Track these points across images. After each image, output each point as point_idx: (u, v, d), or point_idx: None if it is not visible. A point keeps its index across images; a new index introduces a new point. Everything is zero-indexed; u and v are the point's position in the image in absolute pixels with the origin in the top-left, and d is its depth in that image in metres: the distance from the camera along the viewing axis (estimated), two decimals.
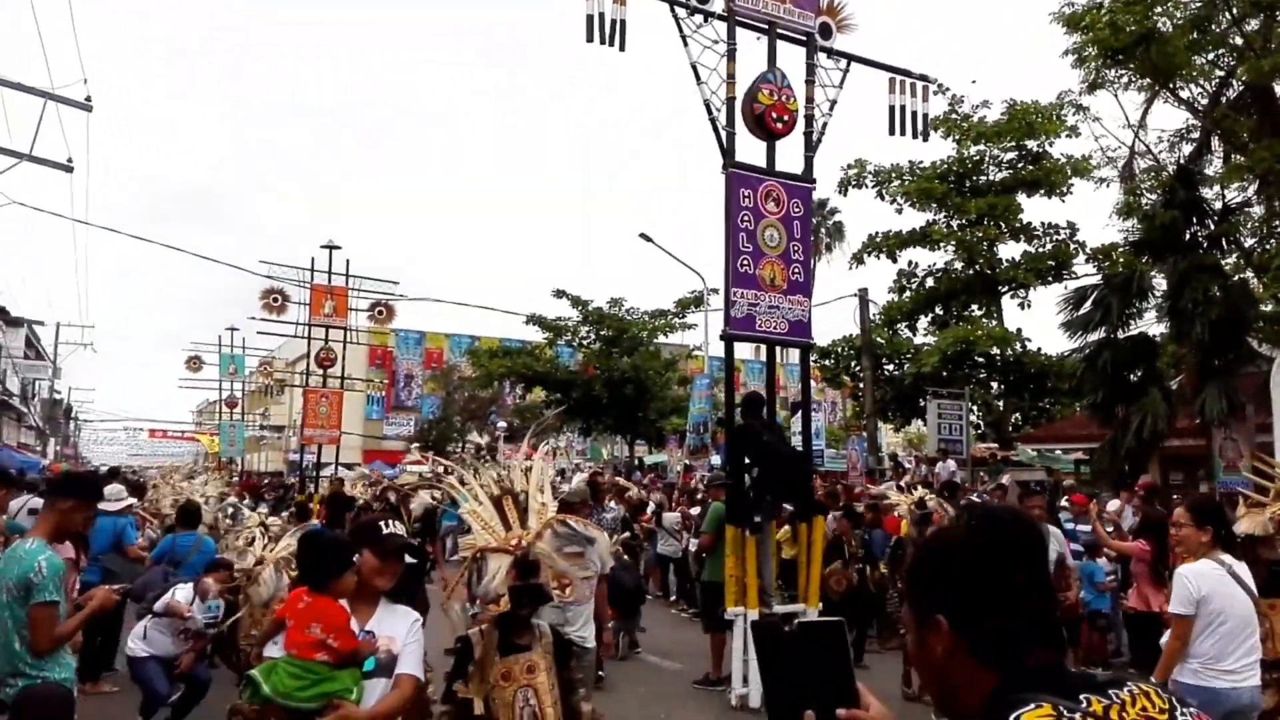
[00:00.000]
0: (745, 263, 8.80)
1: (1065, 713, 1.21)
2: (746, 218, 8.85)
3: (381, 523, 3.66)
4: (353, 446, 38.57)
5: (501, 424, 33.16)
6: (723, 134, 8.86)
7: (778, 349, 10.14)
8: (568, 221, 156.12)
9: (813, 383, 27.11)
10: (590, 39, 8.32)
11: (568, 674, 4.23)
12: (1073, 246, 23.03)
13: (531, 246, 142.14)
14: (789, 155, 9.38)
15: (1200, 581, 4.61)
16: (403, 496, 12.40)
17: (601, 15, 8.38)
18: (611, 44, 8.51)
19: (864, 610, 10.00)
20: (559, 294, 29.51)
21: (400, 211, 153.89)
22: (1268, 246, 17.68)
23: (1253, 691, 4.57)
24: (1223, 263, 17.31)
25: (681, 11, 8.78)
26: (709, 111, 8.84)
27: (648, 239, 25.55)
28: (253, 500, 24.50)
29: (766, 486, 8.56)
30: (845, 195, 24.60)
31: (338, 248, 24.31)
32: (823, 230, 47.55)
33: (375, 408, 49.32)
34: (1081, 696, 1.25)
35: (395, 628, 3.54)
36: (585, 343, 31.21)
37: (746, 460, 8.64)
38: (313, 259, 24.11)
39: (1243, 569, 4.73)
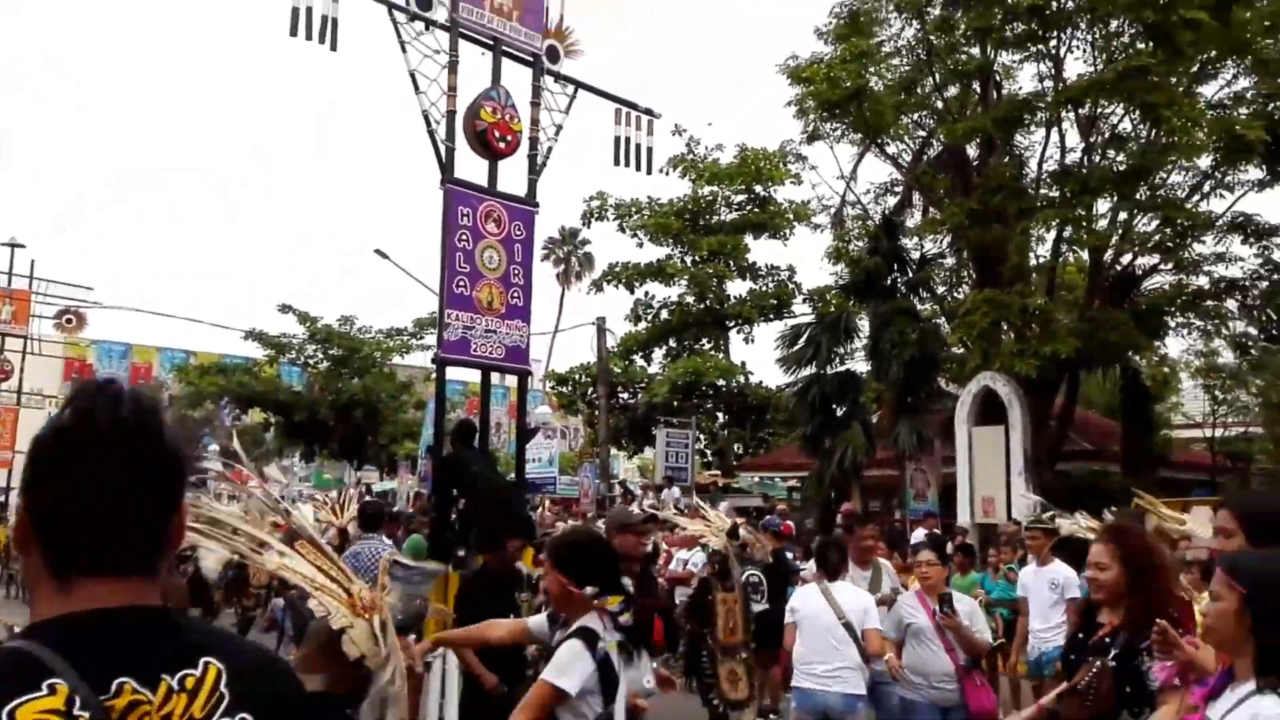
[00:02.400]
0: (462, 284, 8.44)
1: (76, 708, 0.94)
2: (465, 237, 8.49)
3: None
4: None
5: (214, 447, 30.62)
6: (442, 148, 8.45)
7: (501, 375, 9.83)
8: (303, 234, 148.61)
9: (550, 409, 27.13)
10: (294, 33, 7.69)
11: None
12: (792, 287, 24.51)
13: (262, 260, 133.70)
14: (513, 178, 9.16)
15: (795, 599, 5.66)
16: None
17: (309, 10, 7.77)
18: (322, 41, 7.92)
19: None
20: (285, 309, 27.81)
21: (111, 214, 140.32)
22: (957, 294, 19.53)
23: (840, 698, 5.14)
24: (918, 308, 18.92)
25: (401, 16, 8.34)
26: (428, 124, 8.42)
27: (384, 255, 24.59)
28: None
29: (473, 519, 8.18)
30: (589, 226, 24.99)
31: (21, 246, 21.63)
32: (573, 259, 48.03)
33: None
34: (118, 681, 0.99)
35: None
36: (312, 362, 29.49)
37: (454, 492, 8.24)
38: None
39: (841, 591, 5.41)
